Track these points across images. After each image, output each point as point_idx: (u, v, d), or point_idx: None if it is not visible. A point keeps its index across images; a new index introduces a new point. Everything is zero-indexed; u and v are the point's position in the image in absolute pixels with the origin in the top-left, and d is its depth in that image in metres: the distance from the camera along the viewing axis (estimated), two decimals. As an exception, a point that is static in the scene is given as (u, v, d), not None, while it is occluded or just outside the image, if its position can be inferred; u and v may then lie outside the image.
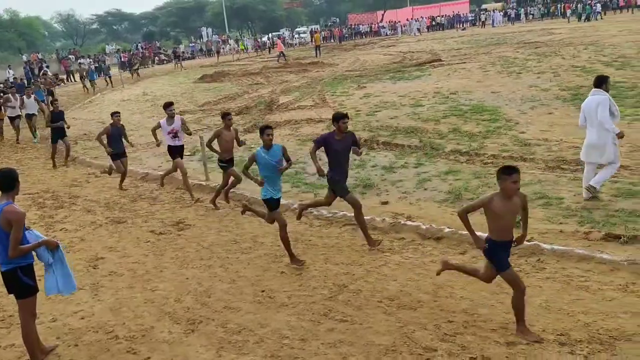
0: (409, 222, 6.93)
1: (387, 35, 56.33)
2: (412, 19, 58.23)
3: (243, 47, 51.78)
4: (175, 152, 9.13)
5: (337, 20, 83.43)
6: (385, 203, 7.84)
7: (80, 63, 38.40)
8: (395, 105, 14.75)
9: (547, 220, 6.58)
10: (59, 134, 12.62)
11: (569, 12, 45.56)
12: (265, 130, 6.17)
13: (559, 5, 54.72)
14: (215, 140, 8.19)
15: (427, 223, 6.81)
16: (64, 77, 38.47)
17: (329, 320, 4.99)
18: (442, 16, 58.19)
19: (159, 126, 9.14)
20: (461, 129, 11.29)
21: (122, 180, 10.20)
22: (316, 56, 35.59)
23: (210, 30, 71.55)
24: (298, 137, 12.56)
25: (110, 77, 31.78)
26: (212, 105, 19.20)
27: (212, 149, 8.33)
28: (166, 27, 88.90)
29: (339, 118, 6.36)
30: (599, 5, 44.06)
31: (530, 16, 54.25)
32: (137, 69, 37.26)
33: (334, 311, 5.12)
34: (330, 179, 6.55)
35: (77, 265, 6.60)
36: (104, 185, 10.68)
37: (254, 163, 6.23)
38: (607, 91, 6.93)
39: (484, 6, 71.41)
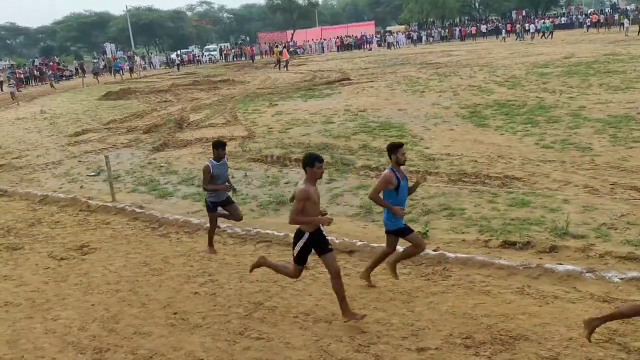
0: (322, 237, 7.02)
1: (297, 54, 57.25)
2: (321, 39, 59.82)
3: None
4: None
5: (247, 38, 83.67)
6: (299, 219, 7.89)
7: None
8: (307, 122, 14.99)
9: (451, 230, 6.95)
10: None
11: (503, 32, 48.32)
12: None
13: (455, 29, 58.55)
14: None
15: (340, 237, 6.94)
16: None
17: (245, 338, 4.93)
18: (350, 37, 60.17)
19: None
20: (370, 145, 11.68)
21: None
22: (278, 68, 36.60)
23: (113, 46, 68.92)
24: (209, 155, 12.34)
25: None
26: (118, 123, 18.45)
27: None
28: (66, 42, 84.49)
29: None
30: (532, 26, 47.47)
31: (431, 39, 57.49)
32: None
33: (250, 329, 5.07)
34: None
35: (-35, 297, 6.04)
36: (-4, 210, 9.88)
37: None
38: None
39: (388, 28, 74.86)
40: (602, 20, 49.65)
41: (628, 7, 65.13)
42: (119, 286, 6.26)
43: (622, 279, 5.28)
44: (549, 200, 7.56)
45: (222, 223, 7.84)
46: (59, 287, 6.37)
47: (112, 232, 8.19)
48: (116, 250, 7.40)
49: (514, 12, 68.85)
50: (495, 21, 63.23)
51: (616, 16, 49.93)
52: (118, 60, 46.01)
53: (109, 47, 67.20)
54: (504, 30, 48.68)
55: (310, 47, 58.14)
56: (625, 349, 4.26)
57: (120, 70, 42.09)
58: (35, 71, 46.73)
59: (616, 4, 70.69)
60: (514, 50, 32.72)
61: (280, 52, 38.96)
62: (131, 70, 45.13)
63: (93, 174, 11.71)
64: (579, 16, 59.46)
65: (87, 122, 19.10)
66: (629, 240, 6.14)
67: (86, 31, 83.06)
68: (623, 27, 40.71)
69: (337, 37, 59.71)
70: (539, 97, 15.34)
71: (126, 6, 72.20)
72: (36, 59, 59.83)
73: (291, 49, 53.04)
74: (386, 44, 54.34)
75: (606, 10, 62.46)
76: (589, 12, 64.98)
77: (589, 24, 49.97)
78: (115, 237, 7.98)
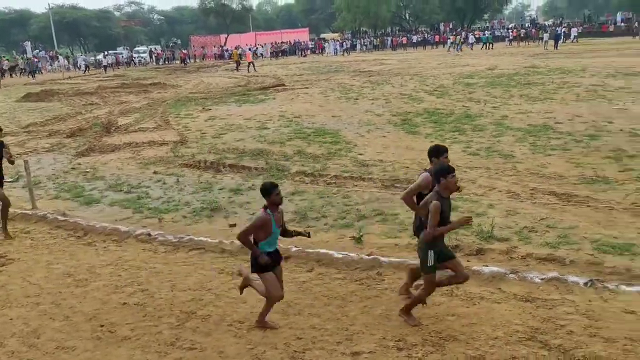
0: (257, 244, 6.95)
1: (230, 58, 56.43)
2: (256, 44, 59.46)
3: None
4: None
5: (179, 41, 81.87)
6: (234, 225, 7.78)
7: None
8: (241, 128, 14.84)
9: (384, 235, 7.09)
10: None
11: (449, 41, 50.53)
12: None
13: (387, 39, 60.19)
14: None
15: (275, 243, 6.89)
16: None
17: (177, 349, 4.78)
18: (286, 42, 60.24)
19: None
20: (305, 151, 11.72)
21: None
22: (237, 70, 37.22)
23: (33, 45, 65.27)
24: (139, 160, 11.97)
25: None
26: (38, 126, 17.46)
27: None
28: (-19, 40, 79.37)
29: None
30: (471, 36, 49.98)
31: (364, 47, 58.73)
32: None
33: (182, 339, 4.92)
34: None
35: None
36: None
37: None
38: None
39: (322, 35, 75.70)
40: (522, 35, 52.68)
41: (546, 23, 69.45)
42: (39, 299, 5.90)
43: (542, 279, 5.58)
44: (475, 205, 7.88)
45: (154, 230, 7.60)
46: (-29, 301, 5.92)
47: (32, 241, 7.71)
48: (36, 261, 6.97)
49: (442, 24, 71.67)
50: (423, 32, 65.52)
51: (533, 30, 53.30)
52: None
53: (29, 46, 63.55)
54: (449, 41, 50.74)
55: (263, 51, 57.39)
56: (547, 347, 4.50)
57: None
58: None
59: (535, 19, 75.14)
60: (441, 61, 33.99)
61: (239, 55, 40.05)
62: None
63: (11, 180, 10.98)
64: (502, 30, 62.79)
65: (4, 125, 17.91)
66: (548, 242, 6.51)
67: (5, 29, 78.45)
68: (542, 41, 43.38)
69: (272, 43, 59.62)
70: (465, 106, 16.00)
71: (49, 4, 68.48)
72: (-53, 56, 55.52)
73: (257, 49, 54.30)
74: (320, 50, 54.93)
75: (526, 25, 66.33)
76: (510, 26, 68.80)
77: (510, 37, 52.87)
78: (36, 246, 7.52)
